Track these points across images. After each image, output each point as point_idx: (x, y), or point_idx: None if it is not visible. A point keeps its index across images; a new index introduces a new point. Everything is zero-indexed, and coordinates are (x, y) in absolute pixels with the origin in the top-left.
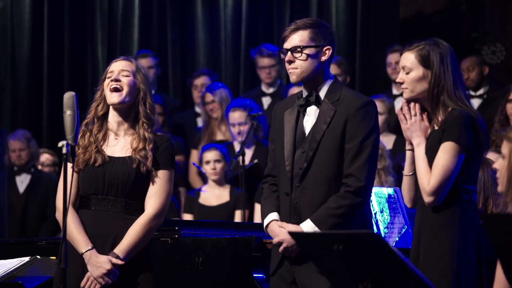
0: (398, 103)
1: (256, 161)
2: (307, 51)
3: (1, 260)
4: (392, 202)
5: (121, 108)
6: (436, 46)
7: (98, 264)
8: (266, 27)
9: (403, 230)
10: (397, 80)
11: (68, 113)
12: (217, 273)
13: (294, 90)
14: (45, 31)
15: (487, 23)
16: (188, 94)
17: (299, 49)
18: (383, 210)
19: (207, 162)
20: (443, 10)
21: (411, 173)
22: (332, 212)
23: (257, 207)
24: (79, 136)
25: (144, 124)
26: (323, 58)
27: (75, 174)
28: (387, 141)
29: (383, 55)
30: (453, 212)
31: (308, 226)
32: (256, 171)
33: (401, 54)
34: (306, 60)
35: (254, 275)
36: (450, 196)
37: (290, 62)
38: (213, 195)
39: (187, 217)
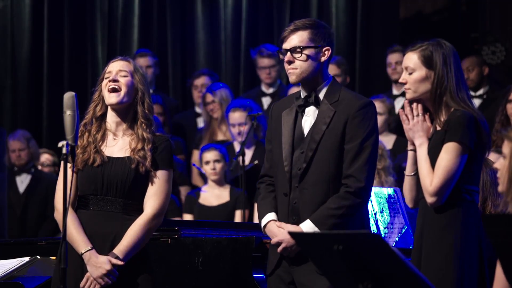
0: (398, 103)
1: (256, 162)
2: (306, 51)
3: (1, 260)
4: (392, 202)
5: (119, 109)
6: (439, 46)
7: (98, 264)
8: (266, 27)
9: (403, 230)
10: (400, 80)
11: (68, 113)
12: (217, 273)
13: (294, 91)
14: (45, 31)
15: (487, 23)
16: (188, 94)
17: (298, 50)
18: (383, 210)
19: (207, 162)
20: (443, 10)
21: (412, 173)
22: (332, 212)
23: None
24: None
25: (143, 125)
26: (323, 59)
27: (74, 175)
28: (387, 141)
29: (383, 55)
30: (455, 213)
31: (308, 226)
32: (257, 172)
33: (404, 54)
34: (305, 60)
35: (254, 275)
36: (453, 197)
37: (290, 62)
38: (213, 195)
39: (187, 217)
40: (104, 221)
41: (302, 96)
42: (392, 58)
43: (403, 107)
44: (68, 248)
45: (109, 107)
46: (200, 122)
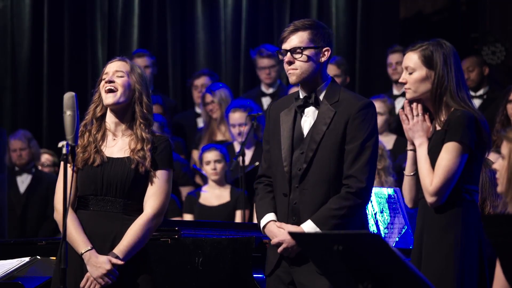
0: (399, 104)
1: (257, 163)
2: (307, 52)
3: (1, 261)
4: (392, 203)
5: (117, 109)
6: (440, 46)
7: (98, 264)
8: (266, 27)
9: (403, 230)
10: (400, 80)
11: (68, 114)
12: (217, 273)
13: (294, 91)
14: (45, 31)
15: (487, 24)
16: (188, 94)
17: (299, 50)
18: (383, 210)
19: (208, 163)
20: (443, 10)
21: (412, 173)
22: (334, 213)
23: None
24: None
25: (141, 125)
26: (322, 59)
27: (73, 175)
28: (388, 141)
29: (383, 55)
30: (455, 213)
31: (309, 226)
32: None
33: (404, 54)
34: (306, 61)
35: (254, 275)
36: (453, 197)
37: (290, 63)
38: (214, 195)
39: (188, 217)
40: (104, 221)
41: (301, 97)
42: (393, 58)
43: (403, 107)
44: (68, 248)
45: (108, 108)
46: (200, 123)
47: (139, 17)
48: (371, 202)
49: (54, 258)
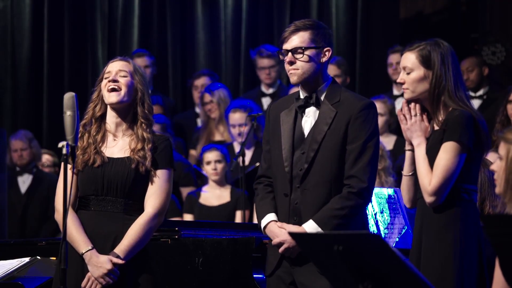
0: (399, 104)
1: (258, 164)
2: (308, 52)
3: (1, 261)
4: (392, 203)
5: (119, 108)
6: (437, 46)
7: (99, 264)
8: (266, 27)
9: (403, 230)
10: (398, 80)
11: (68, 114)
12: (217, 273)
13: (294, 91)
14: (45, 31)
15: (487, 24)
16: (188, 94)
17: (300, 50)
18: (383, 210)
19: (208, 163)
20: (443, 11)
21: (410, 173)
22: (336, 213)
23: None
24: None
25: (143, 125)
26: (323, 59)
27: (74, 176)
28: (388, 141)
29: (383, 55)
30: (454, 212)
31: (311, 226)
32: None
33: (401, 55)
34: (307, 61)
35: (254, 275)
36: (451, 196)
37: (291, 63)
38: (214, 195)
39: (188, 217)
40: (105, 221)
41: (302, 97)
42: (393, 58)
43: (402, 108)
44: (68, 248)
45: (108, 107)
46: (200, 123)
47: (139, 17)
48: (371, 202)
49: (54, 258)
